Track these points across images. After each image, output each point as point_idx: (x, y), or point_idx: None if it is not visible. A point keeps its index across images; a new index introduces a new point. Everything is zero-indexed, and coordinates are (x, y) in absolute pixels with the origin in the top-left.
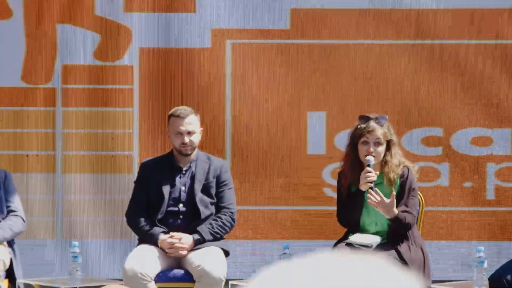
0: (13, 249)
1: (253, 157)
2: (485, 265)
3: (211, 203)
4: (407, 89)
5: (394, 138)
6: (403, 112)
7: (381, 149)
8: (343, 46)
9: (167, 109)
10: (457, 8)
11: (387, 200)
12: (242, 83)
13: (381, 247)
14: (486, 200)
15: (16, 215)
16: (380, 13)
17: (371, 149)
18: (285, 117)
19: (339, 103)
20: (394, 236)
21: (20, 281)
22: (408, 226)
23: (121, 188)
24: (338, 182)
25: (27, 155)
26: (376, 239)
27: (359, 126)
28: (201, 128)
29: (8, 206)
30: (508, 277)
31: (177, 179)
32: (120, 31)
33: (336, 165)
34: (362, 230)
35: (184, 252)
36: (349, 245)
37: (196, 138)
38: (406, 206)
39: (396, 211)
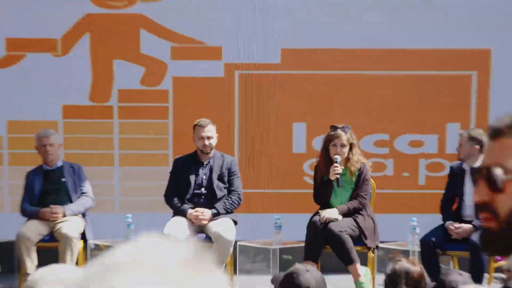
0: (85, 219)
1: (254, 155)
2: (417, 230)
3: (224, 188)
4: (364, 108)
5: (355, 141)
6: (362, 123)
7: (345, 150)
8: (318, 76)
9: (193, 120)
10: (398, 48)
11: (331, 211)
12: (246, 102)
13: (344, 218)
14: (418, 185)
15: (87, 196)
16: (347, 53)
17: (338, 150)
18: (277, 126)
19: (316, 116)
20: (353, 212)
21: (90, 241)
22: (355, 210)
23: (160, 176)
24: (315, 173)
25: (93, 153)
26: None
27: (330, 133)
28: (217, 134)
29: (81, 189)
30: (433, 239)
31: (200, 170)
32: (158, 64)
33: (313, 161)
34: (331, 207)
35: (205, 222)
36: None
37: (213, 141)
38: (361, 191)
39: (338, 212)
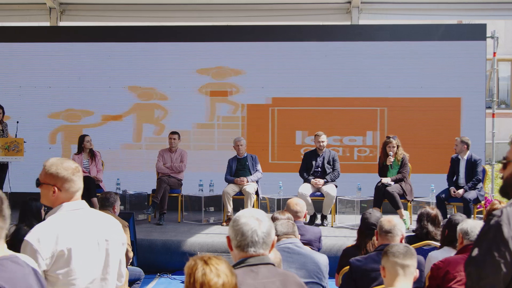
0: (258, 184)
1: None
2: (434, 191)
3: (330, 167)
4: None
5: (400, 144)
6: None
7: (395, 148)
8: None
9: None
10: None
11: (387, 179)
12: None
13: (395, 184)
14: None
15: (259, 171)
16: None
17: (391, 149)
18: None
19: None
20: (398, 180)
21: (260, 196)
22: (399, 179)
23: (297, 160)
24: (379, 161)
25: (261, 150)
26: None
27: (386, 140)
28: (327, 140)
29: (256, 168)
30: (442, 195)
31: (318, 158)
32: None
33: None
34: (386, 177)
35: (320, 186)
36: (382, 183)
37: (325, 144)
38: (403, 170)
39: (391, 180)
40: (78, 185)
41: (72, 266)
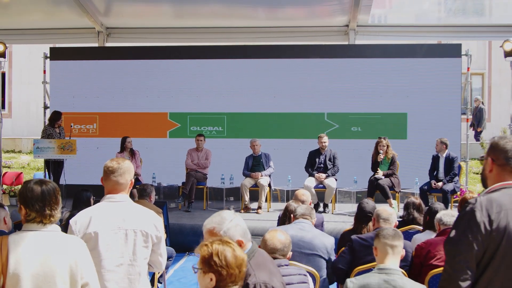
0: (270, 177)
1: (345, 153)
2: (418, 184)
3: (331, 164)
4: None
5: (389, 144)
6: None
7: (385, 148)
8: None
9: (317, 133)
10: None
11: (379, 174)
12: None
13: (385, 178)
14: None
15: (271, 167)
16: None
17: (381, 148)
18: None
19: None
20: (389, 175)
21: (272, 188)
22: (389, 174)
23: (304, 158)
24: (372, 158)
25: (273, 148)
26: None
27: (378, 140)
28: (328, 141)
29: (269, 164)
30: (425, 187)
31: (320, 156)
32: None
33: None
34: (378, 172)
35: (322, 179)
36: (375, 177)
37: (327, 144)
38: (392, 167)
39: (382, 175)
40: (115, 182)
41: (99, 248)
